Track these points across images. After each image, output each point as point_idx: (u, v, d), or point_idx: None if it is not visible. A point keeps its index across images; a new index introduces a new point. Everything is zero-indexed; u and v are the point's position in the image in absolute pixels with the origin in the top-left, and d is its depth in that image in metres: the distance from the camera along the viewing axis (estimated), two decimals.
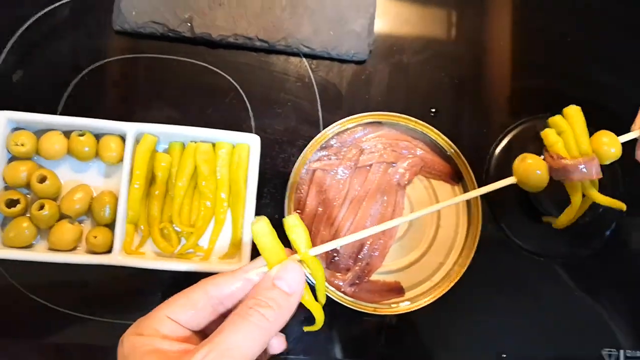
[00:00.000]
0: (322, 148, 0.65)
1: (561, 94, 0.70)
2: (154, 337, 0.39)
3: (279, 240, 0.44)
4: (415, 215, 0.50)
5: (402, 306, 0.62)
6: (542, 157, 0.54)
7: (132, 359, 0.38)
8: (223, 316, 0.43)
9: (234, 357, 0.37)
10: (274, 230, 0.43)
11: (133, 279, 0.61)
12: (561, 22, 0.73)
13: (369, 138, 0.66)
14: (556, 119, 0.53)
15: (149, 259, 0.59)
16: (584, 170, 0.51)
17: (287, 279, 0.41)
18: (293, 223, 0.43)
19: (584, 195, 0.56)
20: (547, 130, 0.53)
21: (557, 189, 0.61)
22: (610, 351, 0.65)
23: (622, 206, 0.55)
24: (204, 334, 0.42)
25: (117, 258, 0.58)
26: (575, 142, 0.52)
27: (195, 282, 0.43)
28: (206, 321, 0.42)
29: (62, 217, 0.60)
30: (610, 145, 0.52)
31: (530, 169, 0.52)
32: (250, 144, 0.61)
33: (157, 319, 0.41)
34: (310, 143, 0.63)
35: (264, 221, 0.43)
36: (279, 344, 0.48)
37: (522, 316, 0.65)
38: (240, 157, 0.61)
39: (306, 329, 0.49)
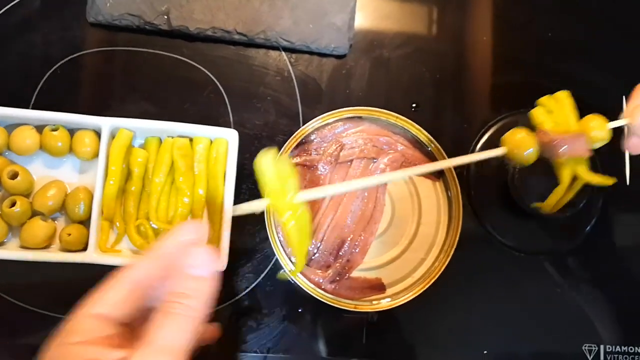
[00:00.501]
0: (301, 143, 0.64)
1: (542, 90, 0.67)
2: (80, 345, 0.37)
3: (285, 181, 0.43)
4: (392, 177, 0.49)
5: (384, 303, 0.61)
6: None
7: None
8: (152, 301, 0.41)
9: (170, 352, 0.36)
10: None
11: (106, 277, 0.59)
12: (543, 17, 0.72)
13: (350, 133, 0.65)
14: (545, 99, 0.53)
15: (125, 257, 0.58)
16: (573, 145, 0.51)
17: (198, 264, 0.40)
18: (270, 160, 0.42)
19: (573, 180, 0.56)
20: (536, 109, 0.53)
21: (540, 184, 0.61)
22: (591, 346, 0.65)
23: (611, 180, 0.55)
24: (132, 326, 0.40)
25: (92, 256, 0.56)
26: (564, 120, 0.52)
27: None
28: (134, 310, 0.40)
29: (34, 214, 0.58)
30: (598, 128, 0.52)
31: (520, 142, 0.51)
32: (228, 139, 0.60)
33: (79, 320, 0.38)
34: (290, 138, 0.62)
35: (269, 155, 0.42)
36: (209, 333, 0.48)
37: (503, 312, 0.65)
38: (218, 153, 0.59)
39: (283, 276, 0.48)
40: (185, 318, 0.38)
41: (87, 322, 0.38)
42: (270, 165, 0.42)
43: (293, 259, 0.60)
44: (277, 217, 0.46)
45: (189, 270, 0.40)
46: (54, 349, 0.37)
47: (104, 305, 0.39)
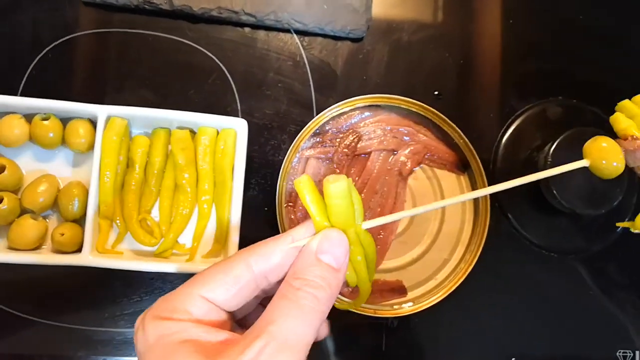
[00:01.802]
0: (315, 134, 0.59)
1: (572, 77, 0.66)
2: (185, 321, 0.33)
3: (354, 208, 0.38)
4: (437, 205, 0.44)
5: (405, 307, 0.57)
6: None
7: (158, 351, 0.32)
8: (262, 292, 0.38)
9: (294, 348, 0.32)
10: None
11: (107, 282, 0.56)
12: (572, 1, 0.68)
13: (367, 123, 0.60)
14: (625, 104, 0.48)
15: (127, 259, 0.54)
16: None
17: (333, 252, 0.36)
18: (346, 187, 0.37)
19: None
20: (616, 114, 0.47)
21: (573, 179, 0.57)
22: (626, 352, 0.62)
23: None
24: (234, 315, 0.37)
25: (87, 258, 0.52)
26: None
27: (179, 284, 0.36)
28: (246, 300, 0.36)
29: (23, 211, 0.54)
30: None
31: (606, 152, 0.46)
32: (236, 129, 0.56)
33: (188, 298, 0.34)
34: (304, 129, 0.58)
35: (346, 181, 0.37)
36: (323, 329, 0.44)
37: (532, 315, 0.62)
38: (225, 144, 0.55)
39: (342, 306, 0.45)
40: (314, 312, 0.33)
41: (196, 303, 0.34)
42: (346, 190, 0.37)
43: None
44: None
45: (322, 257, 0.36)
46: (156, 320, 0.33)
47: (216, 289, 0.35)
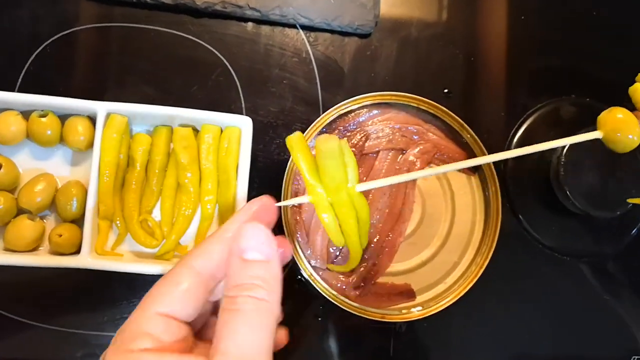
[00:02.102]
0: (322, 133, 0.57)
1: (587, 74, 0.64)
2: (154, 353, 0.31)
3: (346, 170, 0.37)
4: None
5: (414, 312, 0.56)
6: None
7: None
8: (215, 296, 0.37)
9: (252, 358, 0.30)
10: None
11: (106, 285, 0.55)
12: None
13: (375, 121, 0.59)
14: None
15: (127, 261, 0.52)
16: None
17: (254, 246, 0.34)
18: (337, 147, 0.36)
19: None
20: (635, 85, 0.46)
21: (588, 179, 0.56)
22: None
23: None
24: (192, 327, 0.35)
25: (86, 260, 0.51)
26: None
27: None
28: (199, 305, 0.35)
29: (20, 212, 0.53)
30: None
31: (621, 124, 0.44)
32: (241, 126, 0.54)
33: (144, 320, 0.33)
34: (310, 128, 0.56)
35: (338, 141, 0.36)
36: (281, 336, 0.43)
37: (544, 320, 0.60)
38: (229, 142, 0.54)
39: (333, 267, 0.45)
40: (258, 314, 0.32)
41: (154, 323, 0.32)
42: (337, 151, 0.35)
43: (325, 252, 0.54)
44: (329, 211, 0.39)
45: (247, 255, 0.34)
46: (117, 356, 0.32)
47: (170, 302, 0.33)
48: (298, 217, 0.55)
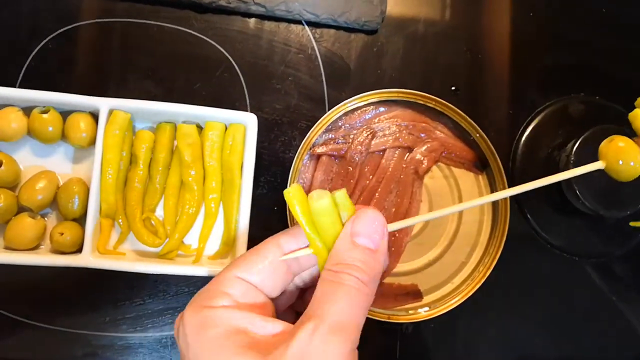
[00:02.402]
0: (327, 130, 0.57)
1: (596, 72, 0.63)
2: (226, 308, 0.32)
3: (342, 224, 0.36)
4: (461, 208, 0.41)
5: (421, 312, 0.55)
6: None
7: (205, 348, 0.31)
8: (301, 281, 0.39)
9: (346, 329, 0.31)
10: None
11: (108, 284, 0.54)
12: None
13: (382, 119, 0.58)
14: None
15: (129, 260, 0.51)
16: None
17: (367, 234, 0.34)
18: (329, 204, 0.35)
19: None
20: (635, 111, 0.45)
21: (597, 179, 0.54)
22: None
23: None
24: (276, 305, 0.36)
25: (88, 259, 0.50)
26: None
27: (185, 287, 0.35)
28: (282, 284, 0.36)
29: (21, 209, 0.52)
30: None
31: (623, 152, 0.43)
32: (246, 124, 0.53)
33: (224, 281, 0.34)
34: (315, 125, 0.55)
35: (330, 198, 0.35)
36: None
37: (554, 321, 0.59)
38: (234, 140, 0.53)
39: None
40: (358, 292, 0.32)
41: (235, 285, 0.34)
42: (329, 207, 0.35)
43: None
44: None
45: (358, 240, 0.34)
46: (195, 312, 0.32)
47: (251, 270, 0.35)
48: None
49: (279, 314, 0.38)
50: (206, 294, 0.34)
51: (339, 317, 0.31)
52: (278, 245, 0.35)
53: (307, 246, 0.36)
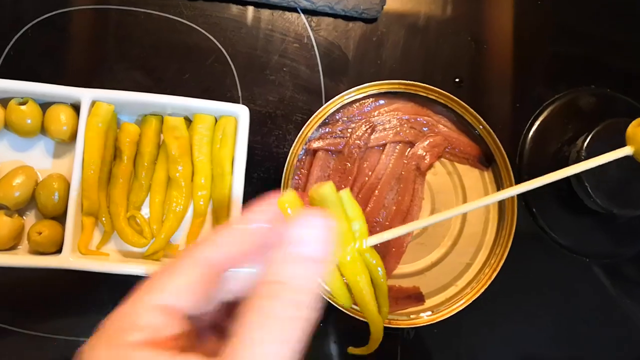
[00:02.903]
0: (324, 124, 0.54)
1: (607, 63, 0.61)
2: (145, 347, 0.27)
3: (350, 223, 0.32)
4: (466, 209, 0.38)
5: (424, 317, 0.52)
6: None
7: None
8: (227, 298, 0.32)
9: None
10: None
11: (90, 287, 0.52)
12: None
13: (382, 112, 0.55)
14: None
15: (113, 261, 0.49)
16: None
17: (311, 240, 0.28)
18: (343, 196, 0.31)
19: None
20: None
21: (610, 175, 0.53)
22: None
23: None
24: (199, 321, 0.31)
25: (68, 260, 0.48)
26: None
27: None
28: (204, 300, 0.30)
29: None
30: None
31: None
32: (237, 116, 0.51)
33: (140, 312, 0.28)
34: (311, 118, 0.53)
35: (330, 185, 0.31)
36: None
37: (563, 324, 0.57)
38: (224, 133, 0.51)
39: (353, 350, 0.38)
40: (298, 322, 0.26)
41: (148, 315, 0.28)
42: (331, 196, 0.30)
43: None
44: (334, 272, 0.33)
45: (294, 249, 0.28)
46: (105, 349, 0.27)
47: (168, 292, 0.28)
48: None
49: (202, 332, 0.33)
50: (118, 325, 0.28)
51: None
52: (192, 256, 0.30)
53: None
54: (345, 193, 0.32)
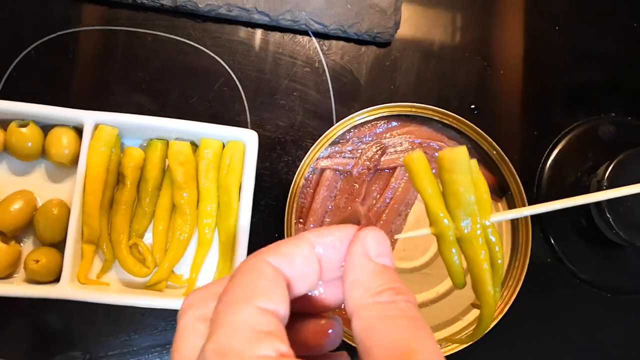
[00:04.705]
0: (334, 143, 0.53)
1: (628, 90, 0.60)
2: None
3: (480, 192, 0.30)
4: None
5: None
6: None
7: None
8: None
9: None
10: None
11: (90, 318, 0.50)
12: (626, 5, 0.62)
13: (394, 134, 0.54)
14: None
15: (113, 292, 0.47)
16: None
17: (382, 252, 0.28)
18: (467, 158, 0.29)
19: None
20: None
21: (635, 207, 0.51)
22: None
23: None
24: None
25: (65, 290, 0.46)
26: None
27: (174, 322, 0.28)
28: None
29: None
30: None
31: None
32: (245, 141, 0.49)
33: (253, 315, 0.24)
34: (321, 137, 0.52)
35: (464, 151, 0.29)
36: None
37: None
38: (232, 159, 0.49)
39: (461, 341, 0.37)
40: (423, 321, 0.25)
41: (266, 320, 0.24)
42: (466, 162, 0.28)
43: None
44: (456, 246, 0.31)
45: (378, 259, 0.27)
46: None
47: (272, 297, 0.25)
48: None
49: None
50: (233, 330, 0.24)
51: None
52: (274, 267, 0.27)
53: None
54: (475, 163, 0.30)
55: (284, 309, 0.25)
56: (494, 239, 0.31)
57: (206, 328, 0.25)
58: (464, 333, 0.52)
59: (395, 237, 0.33)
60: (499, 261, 0.31)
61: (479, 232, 0.30)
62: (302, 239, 0.28)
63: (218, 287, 0.26)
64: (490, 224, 0.30)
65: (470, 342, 0.40)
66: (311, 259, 0.27)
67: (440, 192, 0.30)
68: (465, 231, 0.30)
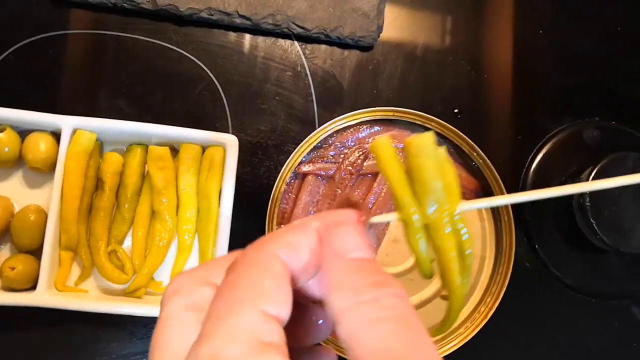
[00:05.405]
0: (316, 148, 0.53)
1: (612, 94, 0.60)
2: None
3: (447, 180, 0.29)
4: None
5: None
6: None
7: None
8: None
9: None
10: None
11: (67, 326, 0.49)
12: (611, 9, 0.62)
13: (376, 139, 0.53)
14: None
15: (92, 299, 0.47)
16: None
17: (356, 245, 0.26)
18: (441, 154, 0.29)
19: None
20: None
21: (618, 211, 0.51)
22: None
23: None
24: None
25: (42, 297, 0.45)
26: None
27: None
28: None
29: None
30: None
31: None
32: (225, 146, 0.49)
33: (257, 321, 0.22)
34: (303, 142, 0.51)
35: (433, 136, 0.29)
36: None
37: None
38: (212, 164, 0.49)
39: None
40: (415, 316, 0.23)
41: (271, 328, 0.22)
42: (431, 148, 0.28)
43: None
44: (422, 233, 0.31)
45: (352, 254, 0.25)
46: None
47: (276, 301, 0.23)
48: None
49: None
50: (241, 343, 0.22)
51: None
52: (281, 262, 0.24)
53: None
54: (443, 150, 0.29)
55: (286, 312, 0.23)
56: (462, 228, 0.30)
57: (194, 319, 0.23)
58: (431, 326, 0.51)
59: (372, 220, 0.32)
60: (468, 251, 0.31)
61: (445, 219, 0.29)
62: (308, 227, 0.26)
63: (207, 272, 0.25)
64: (458, 212, 0.30)
65: (440, 335, 0.40)
66: (317, 250, 0.25)
67: (406, 179, 0.29)
68: (432, 218, 0.29)
